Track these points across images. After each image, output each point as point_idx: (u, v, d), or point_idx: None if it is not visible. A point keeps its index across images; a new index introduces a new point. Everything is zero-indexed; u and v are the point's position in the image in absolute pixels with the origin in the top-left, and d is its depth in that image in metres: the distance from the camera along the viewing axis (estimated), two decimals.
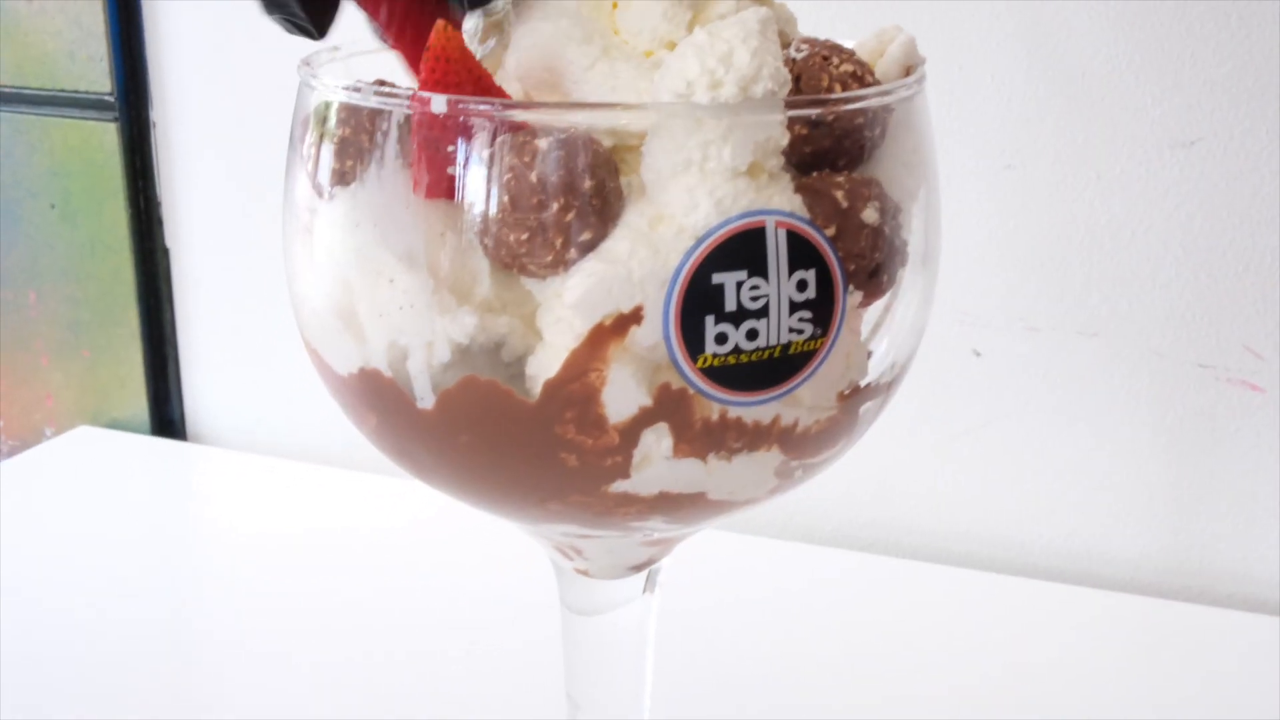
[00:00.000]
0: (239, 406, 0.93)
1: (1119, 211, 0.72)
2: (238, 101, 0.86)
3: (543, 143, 0.34)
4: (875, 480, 0.79)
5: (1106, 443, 0.75)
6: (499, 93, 0.37)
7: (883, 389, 0.40)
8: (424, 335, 0.36)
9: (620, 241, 0.35)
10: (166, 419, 0.93)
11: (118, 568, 0.75)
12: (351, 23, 0.86)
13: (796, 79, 0.38)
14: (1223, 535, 0.74)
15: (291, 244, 0.40)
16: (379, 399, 0.38)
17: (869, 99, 0.37)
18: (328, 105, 0.38)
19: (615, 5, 0.38)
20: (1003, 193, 0.74)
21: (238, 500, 0.84)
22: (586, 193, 0.34)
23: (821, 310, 0.36)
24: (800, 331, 0.36)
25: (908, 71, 0.41)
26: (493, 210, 0.35)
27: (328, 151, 0.38)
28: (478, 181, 0.35)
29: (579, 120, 0.34)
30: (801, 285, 0.35)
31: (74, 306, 0.91)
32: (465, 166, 0.35)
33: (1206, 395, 0.73)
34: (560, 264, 0.35)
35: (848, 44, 0.41)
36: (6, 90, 0.88)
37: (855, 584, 0.75)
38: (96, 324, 0.91)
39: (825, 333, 0.36)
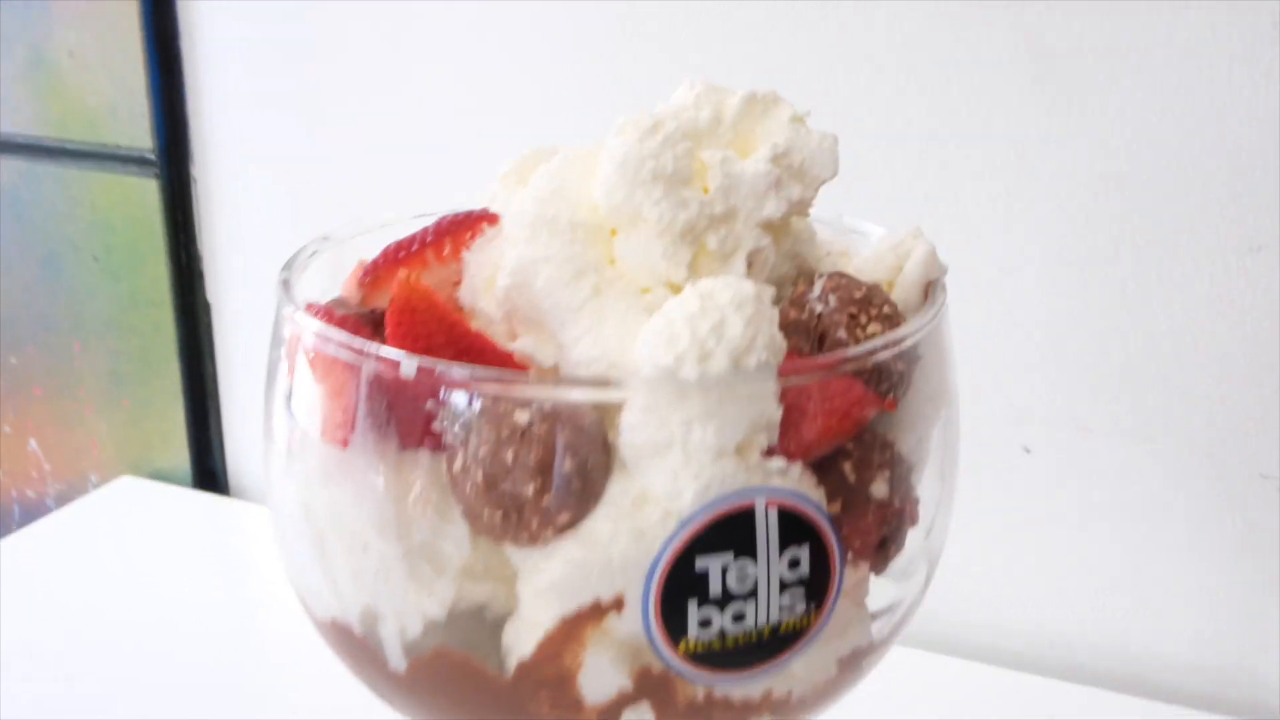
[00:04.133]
0: None
1: (1180, 315, 0.69)
2: (278, 158, 0.84)
3: (521, 416, 0.32)
4: None
5: (1160, 548, 0.72)
6: (476, 343, 0.34)
7: (887, 641, 0.38)
8: (397, 605, 0.34)
9: (602, 522, 0.33)
10: (208, 470, 0.93)
11: (157, 621, 0.74)
12: (348, 198, 0.82)
13: (820, 338, 0.35)
14: (1273, 646, 0.71)
15: (269, 456, 0.38)
16: (351, 651, 0.36)
17: (880, 352, 0.34)
18: (300, 338, 0.36)
19: (614, 232, 0.36)
20: (1060, 288, 0.71)
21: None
22: (566, 474, 0.32)
23: (816, 585, 0.34)
24: (791, 610, 0.33)
25: (928, 289, 0.39)
26: (468, 485, 0.33)
27: (301, 388, 0.36)
28: (453, 451, 0.33)
29: (552, 396, 0.32)
30: (794, 563, 0.33)
31: (116, 358, 0.91)
32: (439, 434, 0.33)
33: (1268, 506, 0.69)
34: (538, 540, 0.33)
35: (870, 236, 0.39)
36: (50, 144, 0.87)
37: (894, 678, 0.73)
38: (138, 376, 0.90)
39: (820, 607, 0.34)
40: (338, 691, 0.67)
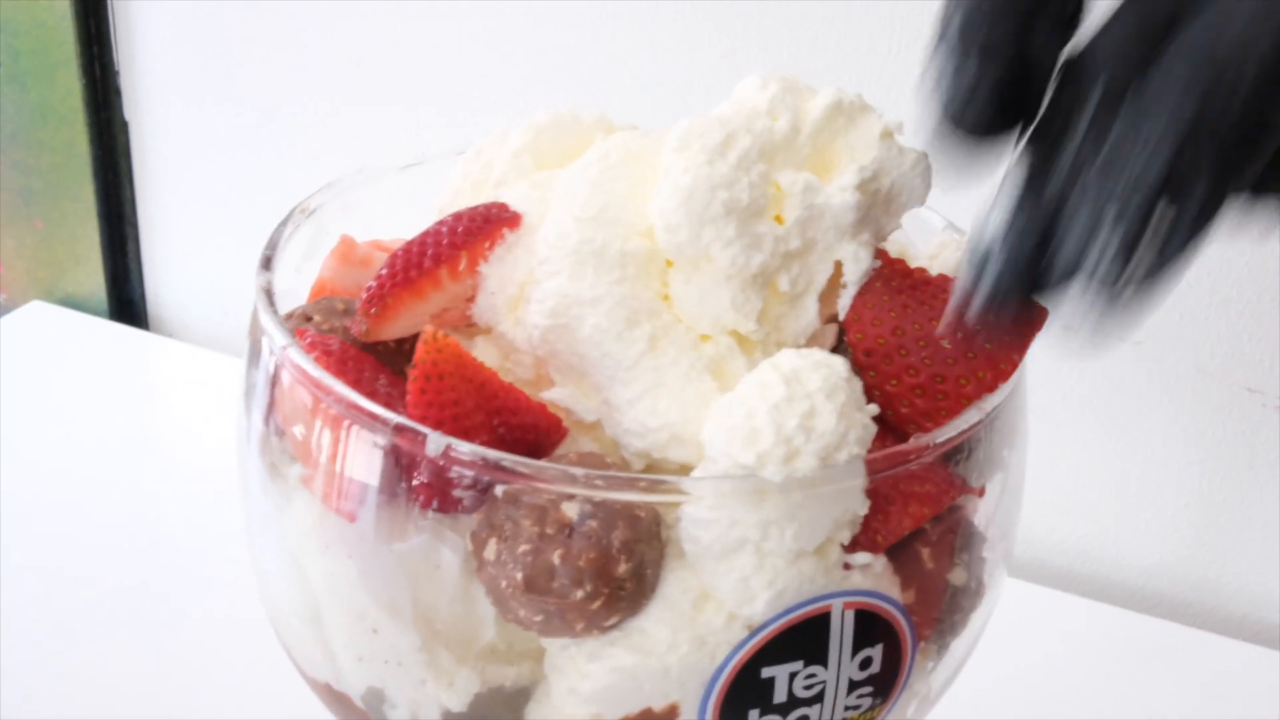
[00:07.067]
0: (204, 294, 0.86)
1: None
2: None
3: (568, 510, 0.28)
4: None
5: (1138, 450, 0.70)
6: (510, 403, 0.29)
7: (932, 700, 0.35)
8: (411, 693, 0.30)
9: (658, 625, 0.29)
10: (126, 299, 0.86)
11: (63, 459, 0.69)
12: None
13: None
14: (1245, 558, 0.70)
15: (244, 484, 0.33)
16: (347, 715, 0.32)
17: (971, 431, 0.30)
18: (289, 380, 0.30)
19: (670, 263, 0.31)
20: None
21: (198, 398, 0.78)
22: (620, 578, 0.28)
23: (885, 681, 0.30)
24: (857, 707, 0.30)
25: None
26: (502, 581, 0.28)
27: (293, 436, 0.31)
28: (482, 540, 0.28)
29: (612, 496, 0.28)
30: (866, 663, 0.30)
31: (25, 174, 0.83)
32: (467, 522, 0.28)
33: (1251, 419, 0.67)
34: (580, 638, 0.29)
35: (929, 224, 0.34)
36: None
37: None
38: (50, 195, 0.83)
39: (885, 699, 0.31)
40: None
